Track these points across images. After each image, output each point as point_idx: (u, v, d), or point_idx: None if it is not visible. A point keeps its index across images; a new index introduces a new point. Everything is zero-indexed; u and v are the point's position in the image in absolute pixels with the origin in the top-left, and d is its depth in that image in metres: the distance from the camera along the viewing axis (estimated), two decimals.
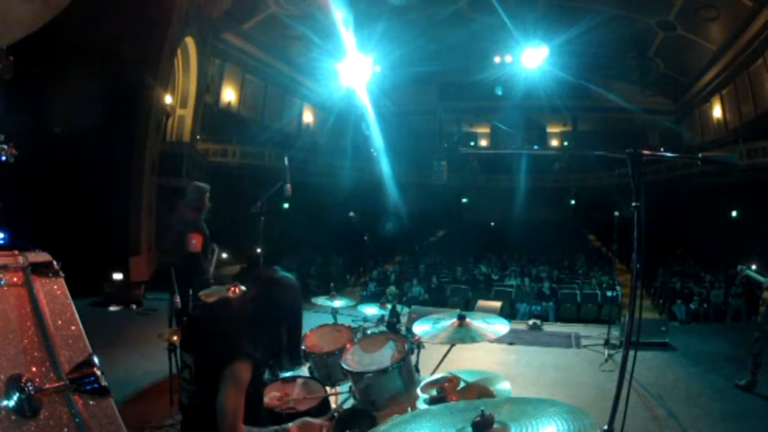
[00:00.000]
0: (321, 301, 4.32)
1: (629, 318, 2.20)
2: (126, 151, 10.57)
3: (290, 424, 1.88)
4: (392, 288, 13.07)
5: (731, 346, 6.52)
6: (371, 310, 4.53)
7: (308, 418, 1.97)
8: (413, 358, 2.80)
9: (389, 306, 4.35)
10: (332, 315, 3.82)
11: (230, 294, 3.65)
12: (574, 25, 16.33)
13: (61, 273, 1.79)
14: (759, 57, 15.47)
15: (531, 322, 7.95)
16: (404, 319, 4.48)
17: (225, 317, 1.94)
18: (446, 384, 2.34)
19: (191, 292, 4.37)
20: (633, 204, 2.04)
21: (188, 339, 2.02)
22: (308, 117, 23.18)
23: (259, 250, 4.91)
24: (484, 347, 5.60)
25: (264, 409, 2.11)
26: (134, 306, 8.25)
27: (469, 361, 5.17)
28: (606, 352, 6.02)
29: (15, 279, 1.64)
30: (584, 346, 6.60)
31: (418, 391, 2.40)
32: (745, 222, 16.51)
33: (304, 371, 3.00)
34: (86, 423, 1.54)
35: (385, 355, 2.68)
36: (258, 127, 19.58)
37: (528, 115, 23.85)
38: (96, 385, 1.61)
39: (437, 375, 2.56)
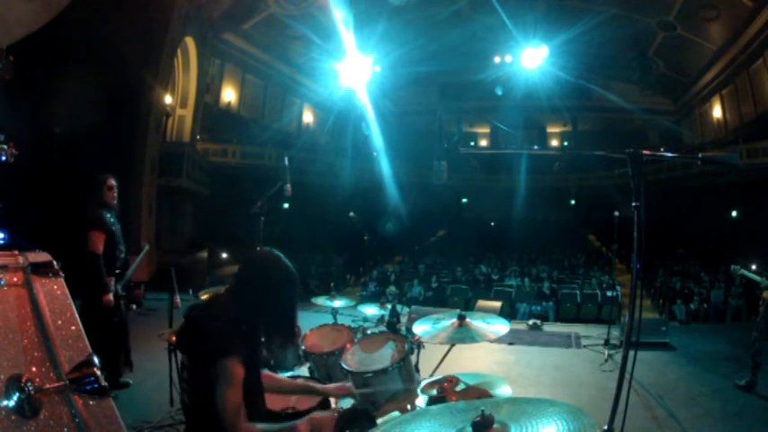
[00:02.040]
0: (321, 301, 4.33)
1: (629, 318, 2.20)
2: (126, 151, 10.57)
3: (299, 421, 1.86)
4: (392, 288, 13.08)
5: (731, 346, 6.52)
6: (371, 310, 4.53)
7: (317, 413, 1.93)
8: (413, 358, 2.80)
9: (389, 306, 4.34)
10: (332, 315, 3.82)
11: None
12: (574, 25, 16.31)
13: (61, 273, 1.79)
14: (759, 57, 15.45)
15: (531, 322, 7.96)
16: (404, 319, 4.48)
17: (210, 315, 1.91)
18: (446, 384, 2.34)
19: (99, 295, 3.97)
20: (633, 204, 2.04)
21: (181, 339, 2.01)
22: (308, 117, 23.17)
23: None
24: (484, 347, 5.60)
25: (264, 408, 2.10)
26: (134, 306, 8.25)
27: (469, 361, 5.18)
28: (606, 352, 6.02)
29: (15, 279, 1.64)
30: (584, 346, 6.60)
31: (418, 390, 2.40)
32: (745, 222, 16.52)
33: (304, 371, 3.00)
34: (86, 423, 1.54)
35: (385, 355, 2.68)
36: (258, 127, 19.57)
37: (528, 115, 23.83)
38: (96, 385, 1.60)
39: (437, 376, 2.56)
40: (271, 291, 1.91)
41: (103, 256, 4.01)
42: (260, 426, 1.78)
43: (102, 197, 4.10)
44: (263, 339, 1.95)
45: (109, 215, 4.13)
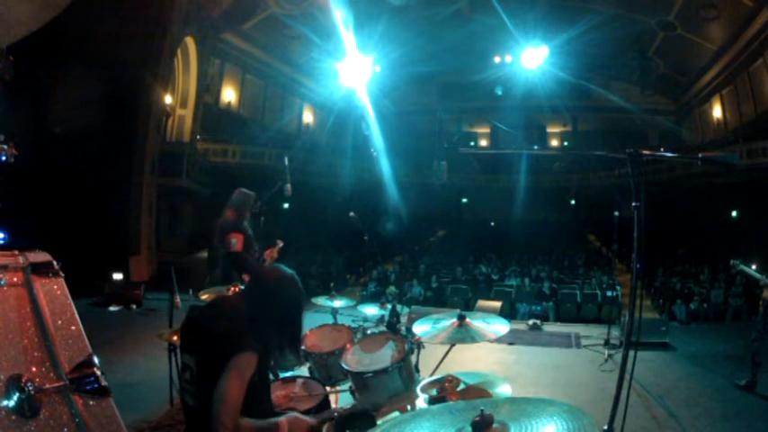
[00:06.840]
0: (321, 301, 4.32)
1: (629, 318, 2.20)
2: (126, 151, 10.58)
3: (281, 418, 1.88)
4: (392, 288, 13.06)
5: (731, 346, 6.53)
6: (371, 310, 4.52)
7: (297, 414, 1.96)
8: (413, 358, 2.80)
9: (389, 306, 4.34)
10: (332, 315, 3.82)
11: (228, 293, 3.64)
12: (574, 25, 16.32)
13: (61, 273, 1.79)
14: (759, 57, 15.45)
15: (531, 322, 7.96)
16: (404, 319, 4.48)
17: (223, 315, 1.94)
18: (446, 384, 2.34)
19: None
20: (633, 204, 2.04)
21: (187, 340, 2.01)
22: (308, 117, 23.17)
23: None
24: (484, 347, 5.60)
25: (271, 408, 2.10)
26: (134, 306, 8.25)
27: (469, 361, 5.18)
28: (606, 352, 6.02)
29: (15, 279, 1.64)
30: (585, 346, 6.60)
31: (418, 390, 2.40)
32: (745, 222, 16.51)
33: (304, 371, 3.00)
34: (86, 423, 1.54)
35: (385, 355, 2.68)
36: (258, 127, 19.57)
37: (528, 115, 23.82)
38: (96, 385, 1.61)
39: (437, 376, 2.56)
40: (287, 307, 2.00)
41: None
42: (249, 421, 1.78)
43: (245, 210, 4.42)
44: (272, 345, 2.02)
45: (245, 221, 4.42)
